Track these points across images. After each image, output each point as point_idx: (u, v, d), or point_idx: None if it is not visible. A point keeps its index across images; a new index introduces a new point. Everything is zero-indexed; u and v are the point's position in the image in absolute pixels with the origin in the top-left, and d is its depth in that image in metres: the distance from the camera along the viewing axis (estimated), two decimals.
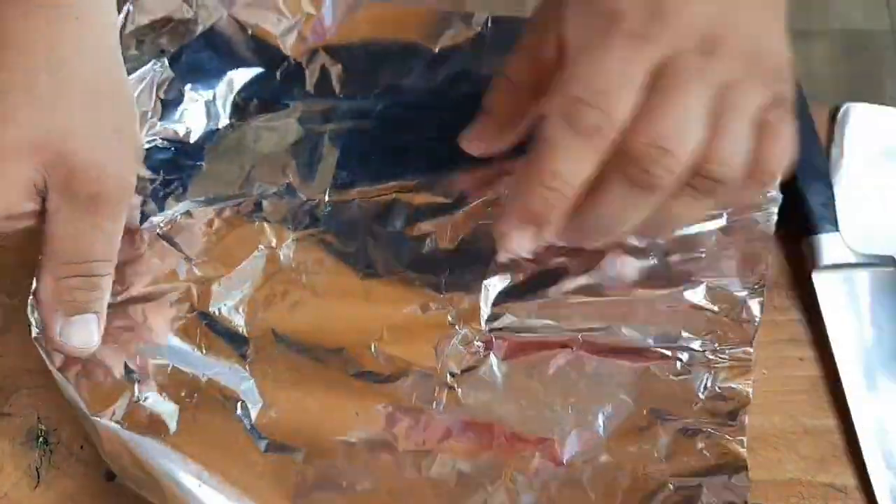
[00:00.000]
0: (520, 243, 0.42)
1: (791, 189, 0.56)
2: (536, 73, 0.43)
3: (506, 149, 0.47)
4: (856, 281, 0.54)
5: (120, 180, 0.44)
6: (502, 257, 0.46)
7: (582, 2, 0.41)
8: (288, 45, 0.57)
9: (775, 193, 0.49)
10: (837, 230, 0.55)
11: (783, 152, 0.40)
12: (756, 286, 0.48)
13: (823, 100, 0.60)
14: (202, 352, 0.47)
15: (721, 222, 0.49)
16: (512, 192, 0.43)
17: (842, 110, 0.60)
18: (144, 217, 0.50)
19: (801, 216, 0.55)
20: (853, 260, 0.54)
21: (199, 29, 0.57)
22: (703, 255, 0.48)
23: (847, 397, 0.51)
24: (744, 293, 0.48)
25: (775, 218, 0.49)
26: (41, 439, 0.48)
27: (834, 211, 0.55)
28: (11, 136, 0.41)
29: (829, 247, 0.54)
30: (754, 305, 0.48)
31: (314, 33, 0.58)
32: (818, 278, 0.54)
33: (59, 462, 0.48)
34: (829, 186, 0.56)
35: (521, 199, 0.41)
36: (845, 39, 1.42)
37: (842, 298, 0.54)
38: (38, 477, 0.47)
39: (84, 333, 0.45)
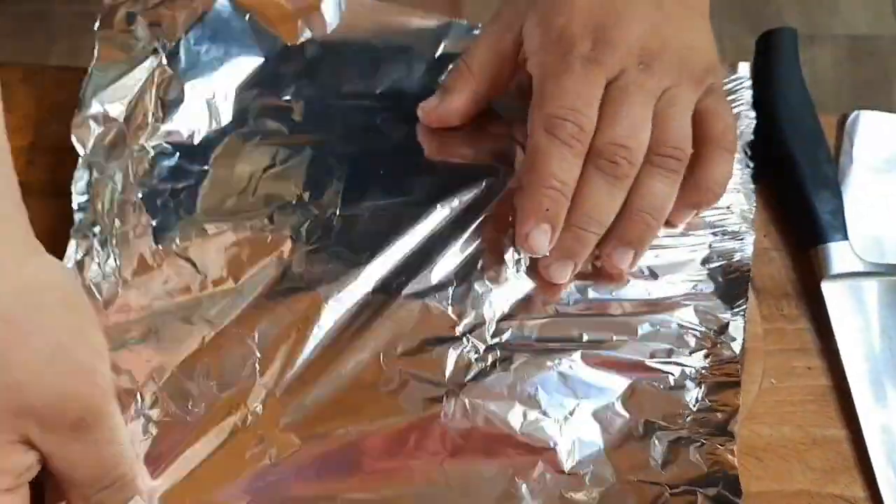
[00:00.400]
0: (541, 241, 0.49)
1: (799, 198, 0.56)
2: (492, 64, 0.54)
3: (454, 124, 0.55)
4: (865, 290, 0.54)
5: (94, 388, 0.41)
6: (525, 257, 0.51)
7: (538, 21, 0.52)
8: (287, 35, 0.57)
9: (749, 226, 0.53)
10: (846, 239, 0.54)
11: (726, 124, 0.52)
12: (738, 308, 0.50)
13: (828, 106, 0.60)
14: (212, 361, 0.47)
15: (704, 251, 0.52)
16: (520, 200, 0.50)
17: (850, 118, 0.60)
18: (160, 232, 0.50)
19: (810, 225, 0.55)
20: (862, 269, 0.54)
21: (196, 11, 0.56)
22: (689, 281, 0.51)
23: (856, 407, 0.50)
24: (727, 315, 0.50)
25: (751, 247, 0.52)
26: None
27: (843, 219, 0.55)
28: None
29: (838, 256, 0.54)
30: (737, 327, 0.49)
31: (314, 26, 0.58)
32: (827, 287, 0.54)
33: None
34: (838, 195, 0.56)
35: (532, 202, 0.49)
36: (851, 45, 1.42)
37: (850, 308, 0.53)
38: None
39: None
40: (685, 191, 0.51)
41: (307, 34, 0.57)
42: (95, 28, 0.55)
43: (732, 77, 0.58)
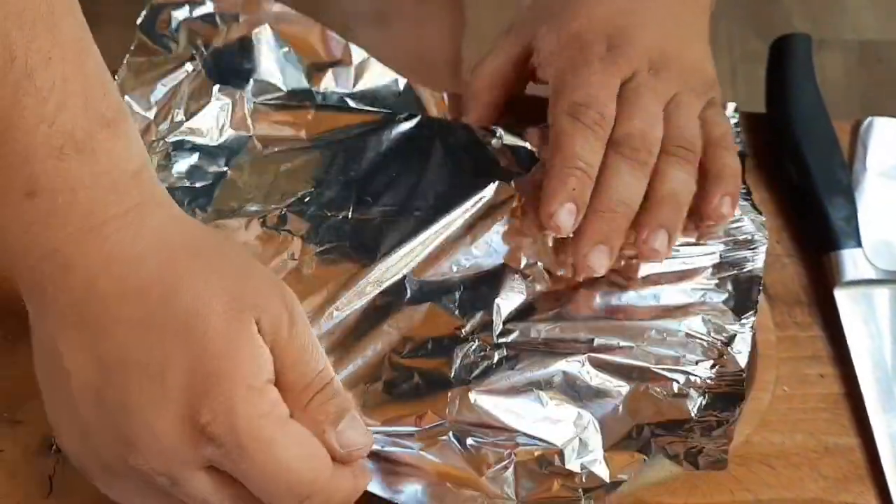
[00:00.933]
0: (566, 221, 0.50)
1: (813, 204, 0.56)
2: (501, 73, 0.57)
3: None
4: (877, 297, 0.54)
5: (283, 286, 0.43)
6: (549, 237, 0.52)
7: (553, 27, 0.55)
8: (315, 81, 0.58)
9: (762, 236, 0.53)
10: (860, 246, 0.54)
11: (725, 129, 0.54)
12: (746, 320, 0.50)
13: (838, 112, 0.60)
14: None
15: (714, 259, 0.52)
16: (546, 182, 0.51)
17: (864, 124, 0.60)
18: None
19: (823, 231, 0.55)
20: (875, 276, 0.54)
21: (240, 31, 0.57)
22: (698, 290, 0.51)
23: (869, 415, 0.50)
24: (735, 326, 0.49)
25: (763, 257, 0.52)
26: (54, 448, 0.47)
27: (856, 226, 0.55)
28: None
29: (852, 262, 0.54)
30: (745, 339, 0.49)
31: (340, 80, 0.58)
32: (840, 294, 0.53)
33: (71, 471, 0.47)
34: (852, 201, 0.56)
35: (558, 182, 0.50)
36: (861, 51, 1.42)
37: (863, 315, 0.53)
38: (51, 485, 0.47)
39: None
40: (712, 185, 0.52)
41: (331, 85, 0.58)
42: (138, 23, 0.56)
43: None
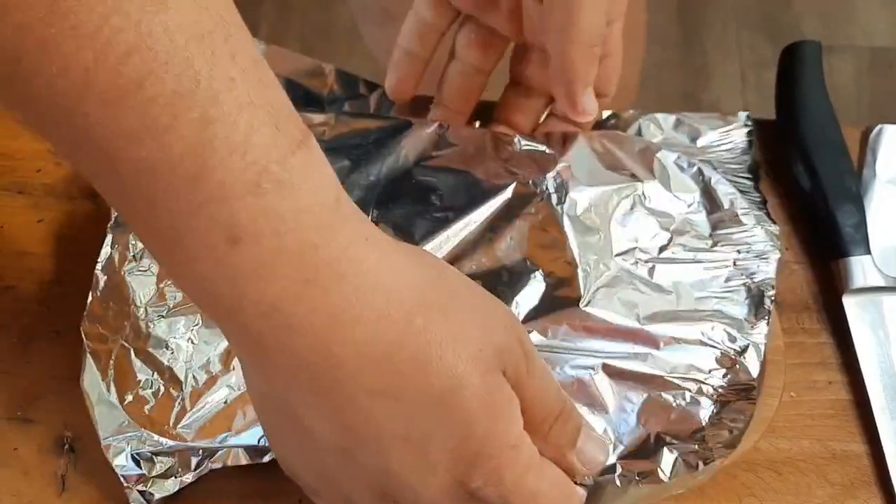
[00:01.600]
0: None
1: (822, 211, 0.56)
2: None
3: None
4: (887, 304, 0.54)
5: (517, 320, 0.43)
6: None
7: None
8: (331, 109, 0.59)
9: (775, 247, 0.52)
10: (869, 253, 0.54)
11: None
12: (758, 330, 0.50)
13: (847, 117, 0.60)
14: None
15: (727, 269, 0.52)
16: None
17: (874, 132, 0.60)
18: None
19: (832, 238, 0.55)
20: (884, 283, 0.54)
21: None
22: (711, 299, 0.51)
23: (876, 422, 0.50)
24: (747, 335, 0.49)
25: (775, 267, 0.52)
26: (67, 446, 0.48)
27: (865, 233, 0.55)
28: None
29: (860, 270, 0.54)
30: (757, 348, 0.49)
31: (361, 109, 0.59)
32: (848, 301, 0.53)
33: (84, 469, 0.48)
34: (861, 208, 0.56)
35: None
36: (870, 57, 1.42)
37: (871, 322, 0.53)
38: (64, 484, 0.47)
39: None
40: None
41: (347, 111, 0.59)
42: None
43: (732, 125, 0.58)
